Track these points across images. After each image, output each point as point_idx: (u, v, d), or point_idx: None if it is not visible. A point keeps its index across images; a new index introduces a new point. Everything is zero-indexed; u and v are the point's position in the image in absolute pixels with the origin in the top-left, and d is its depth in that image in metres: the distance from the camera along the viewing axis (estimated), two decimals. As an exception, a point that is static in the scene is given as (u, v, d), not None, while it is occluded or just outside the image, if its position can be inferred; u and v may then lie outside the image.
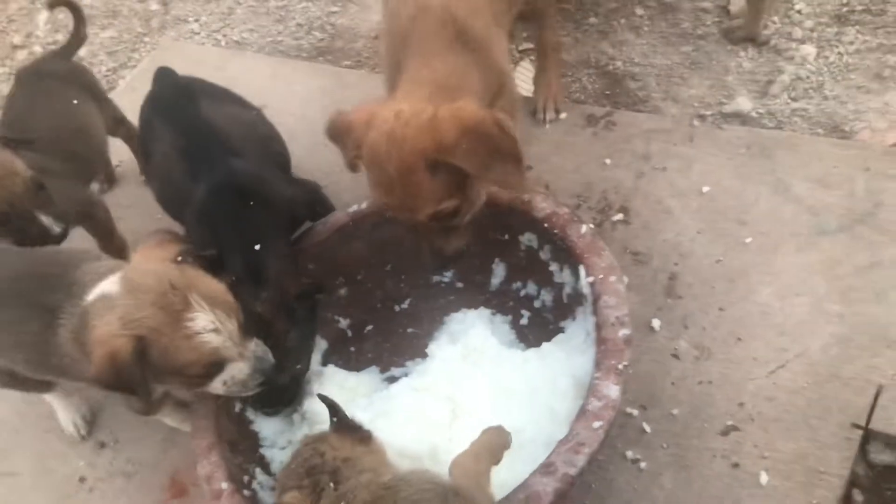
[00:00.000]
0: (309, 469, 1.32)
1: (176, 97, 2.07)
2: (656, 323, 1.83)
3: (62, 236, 1.94)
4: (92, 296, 1.50)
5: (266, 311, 1.70)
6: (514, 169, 1.55)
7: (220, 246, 1.73)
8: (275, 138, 2.16)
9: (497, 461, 1.38)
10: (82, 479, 2.01)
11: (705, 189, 2.02)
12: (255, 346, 1.56)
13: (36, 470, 2.07)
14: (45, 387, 2.01)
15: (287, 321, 1.74)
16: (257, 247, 1.74)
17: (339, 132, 1.71)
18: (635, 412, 1.71)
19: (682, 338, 1.80)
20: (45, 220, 1.91)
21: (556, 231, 1.74)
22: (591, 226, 1.71)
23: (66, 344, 1.60)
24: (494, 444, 1.40)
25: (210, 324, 1.44)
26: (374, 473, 1.31)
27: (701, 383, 1.72)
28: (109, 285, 1.49)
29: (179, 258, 1.54)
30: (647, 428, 1.69)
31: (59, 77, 2.29)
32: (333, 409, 1.44)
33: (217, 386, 1.54)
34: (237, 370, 1.53)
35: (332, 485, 1.27)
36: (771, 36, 2.34)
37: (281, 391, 1.76)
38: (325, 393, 1.82)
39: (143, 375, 1.43)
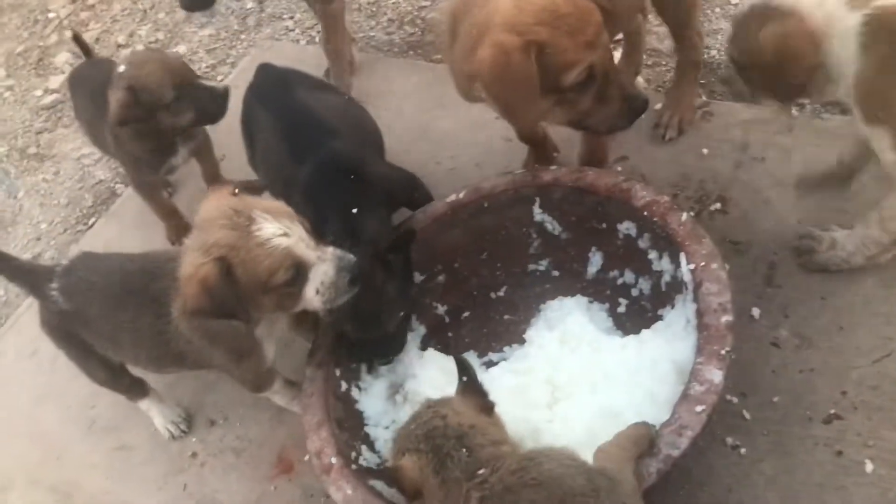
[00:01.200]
0: (429, 432, 1.34)
1: (274, 86, 2.20)
2: (756, 311, 1.83)
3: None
4: None
5: (362, 263, 1.75)
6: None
7: (323, 216, 1.81)
8: (368, 121, 2.24)
9: (641, 452, 1.39)
10: (194, 455, 2.12)
11: (808, 178, 2.00)
12: (332, 249, 1.64)
13: (149, 445, 2.20)
14: (140, 392, 2.15)
15: (384, 273, 1.80)
16: (354, 210, 1.83)
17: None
18: (735, 399, 1.71)
19: (782, 326, 1.79)
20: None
21: (655, 219, 1.76)
22: (692, 213, 1.73)
23: (179, 325, 1.71)
24: (639, 435, 1.41)
25: (278, 229, 1.54)
26: (508, 445, 1.34)
27: (802, 371, 1.72)
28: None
29: (235, 191, 1.64)
30: (747, 415, 1.69)
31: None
32: (464, 368, 1.47)
33: (311, 296, 1.62)
34: (322, 273, 1.60)
35: (464, 450, 1.30)
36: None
37: (390, 340, 1.85)
38: (425, 376, 1.92)
39: (235, 294, 1.53)
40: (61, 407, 2.36)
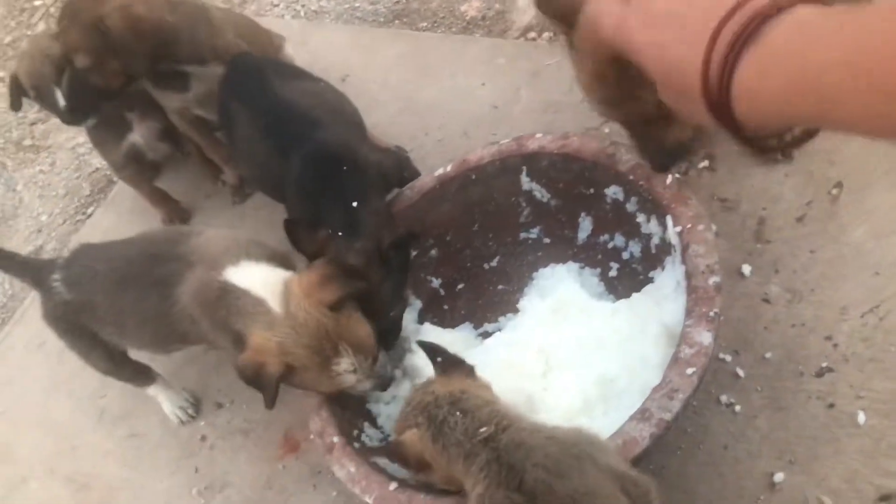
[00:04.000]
0: (422, 408, 1.37)
1: (249, 80, 2.15)
2: (746, 268, 1.83)
3: None
4: (233, 278, 1.69)
5: (359, 261, 1.78)
6: None
7: (319, 210, 1.83)
8: (346, 104, 2.22)
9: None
10: (203, 438, 2.17)
11: (796, 132, 1.98)
12: (380, 365, 1.74)
13: (159, 431, 2.25)
14: (146, 379, 2.19)
15: (380, 271, 1.82)
16: (354, 204, 1.82)
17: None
18: (728, 358, 1.73)
19: (772, 282, 1.80)
20: None
21: (641, 182, 1.75)
22: (678, 175, 1.72)
23: (188, 307, 1.75)
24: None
25: (350, 366, 1.64)
26: (501, 405, 1.36)
27: (794, 326, 1.73)
28: (266, 292, 1.67)
29: (338, 304, 1.66)
30: (741, 373, 1.71)
31: None
32: (434, 350, 1.51)
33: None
34: (360, 386, 1.72)
35: (458, 413, 1.32)
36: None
37: (383, 335, 1.86)
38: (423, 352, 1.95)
39: (277, 388, 1.62)
40: (72, 398, 2.41)
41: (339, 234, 1.78)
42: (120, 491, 2.18)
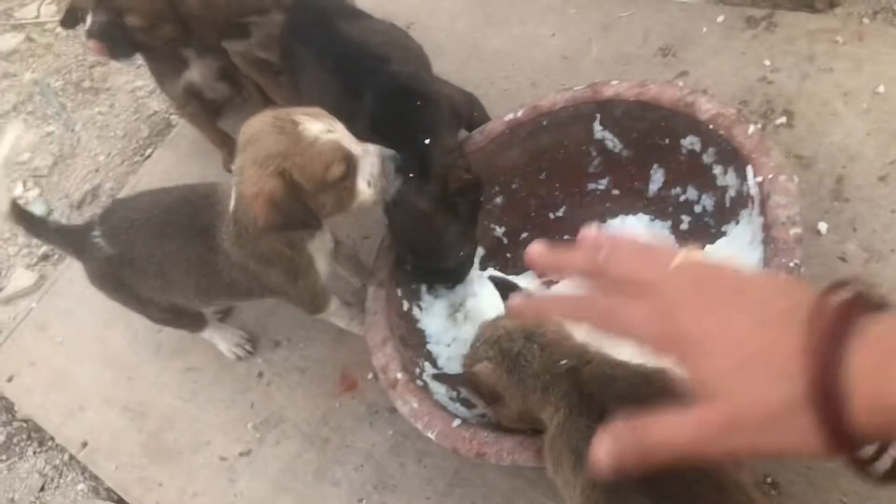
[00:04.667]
0: (493, 342, 1.36)
1: (312, 22, 2.13)
2: (823, 226, 1.79)
3: None
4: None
5: (427, 206, 1.77)
6: None
7: (393, 146, 1.81)
8: (412, 43, 2.19)
9: None
10: (260, 374, 2.18)
11: (880, 89, 1.93)
12: (372, 145, 1.68)
13: (216, 366, 2.26)
14: (199, 324, 2.19)
15: (446, 215, 1.80)
16: (427, 141, 1.80)
17: None
18: (801, 315, 1.69)
19: (850, 240, 1.75)
20: None
21: (721, 132, 1.71)
22: (759, 125, 1.68)
23: (230, 253, 1.75)
24: None
25: (322, 127, 1.58)
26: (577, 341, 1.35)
27: (871, 286, 1.68)
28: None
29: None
30: (814, 330, 1.67)
31: None
32: (505, 285, 1.49)
33: (363, 188, 1.66)
34: (369, 165, 1.65)
35: (535, 346, 1.31)
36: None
37: (450, 272, 1.89)
38: (484, 295, 1.94)
39: (301, 201, 1.57)
40: (129, 331, 2.44)
41: (411, 175, 1.77)
42: (175, 421, 2.20)
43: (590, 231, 0.92)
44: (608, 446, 0.77)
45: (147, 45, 2.22)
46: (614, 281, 0.84)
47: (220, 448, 2.10)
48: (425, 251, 1.85)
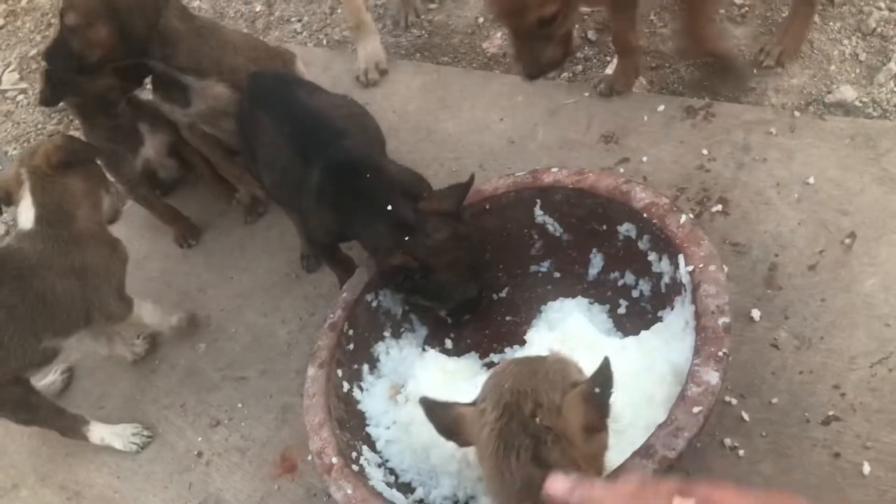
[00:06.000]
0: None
1: (273, 90, 2.17)
2: (756, 313, 1.83)
3: None
4: None
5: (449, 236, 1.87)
6: None
7: (345, 223, 1.84)
8: (370, 120, 2.24)
9: None
10: (199, 454, 2.15)
11: (810, 180, 2.00)
12: None
13: (156, 445, 2.22)
14: (78, 425, 2.26)
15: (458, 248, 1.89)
16: (389, 207, 1.84)
17: None
18: (734, 401, 1.72)
19: (782, 328, 1.79)
20: None
21: (654, 221, 1.76)
22: (691, 216, 1.73)
23: (46, 262, 2.02)
24: None
25: None
26: None
27: (801, 373, 1.72)
28: None
29: None
30: (746, 416, 1.69)
31: None
32: (435, 409, 1.34)
33: None
34: None
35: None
36: (876, 23, 2.29)
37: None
38: (425, 376, 1.93)
39: None
40: (70, 409, 2.39)
41: (405, 237, 1.83)
42: (111, 502, 2.15)
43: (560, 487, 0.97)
44: None
45: (81, 62, 2.17)
46: None
47: (159, 532, 2.05)
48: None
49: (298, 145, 2.00)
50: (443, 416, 1.32)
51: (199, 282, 2.58)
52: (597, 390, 1.21)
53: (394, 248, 1.82)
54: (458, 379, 1.91)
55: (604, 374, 1.22)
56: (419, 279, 1.83)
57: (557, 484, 0.97)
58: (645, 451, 1.42)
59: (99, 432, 2.21)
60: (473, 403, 1.30)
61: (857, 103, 2.13)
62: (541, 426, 1.17)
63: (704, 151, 2.17)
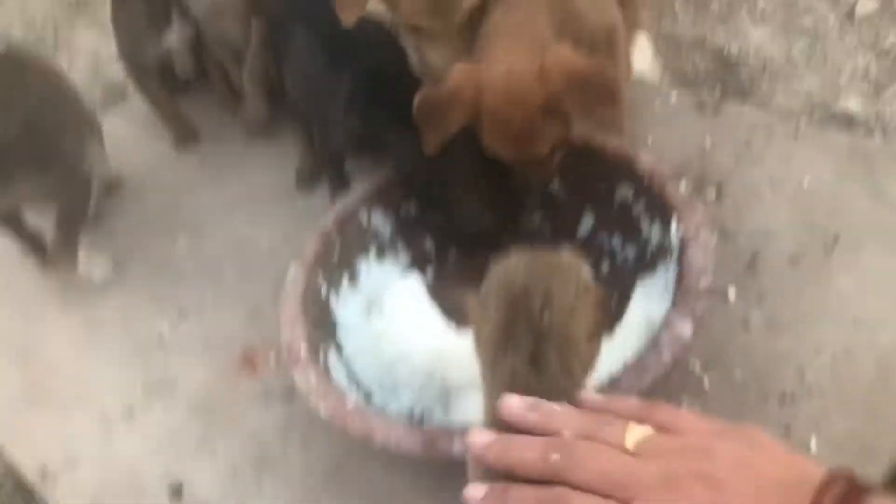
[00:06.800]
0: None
1: (307, 2, 2.14)
2: (732, 292, 1.87)
3: None
4: None
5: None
6: (614, 111, 1.79)
7: (373, 128, 1.84)
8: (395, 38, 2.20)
9: None
10: (161, 340, 2.15)
11: (804, 183, 2.06)
12: None
13: (118, 325, 2.23)
14: None
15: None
16: None
17: (437, 107, 1.72)
18: (697, 368, 1.76)
19: (755, 310, 1.84)
20: None
21: (654, 184, 1.81)
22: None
23: None
24: None
25: None
26: None
27: (766, 354, 1.76)
28: None
29: None
30: (707, 384, 1.73)
31: None
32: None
33: None
34: None
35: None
36: (891, 46, 2.37)
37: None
38: (401, 299, 1.96)
39: None
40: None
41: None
42: (59, 372, 2.14)
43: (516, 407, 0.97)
44: None
45: None
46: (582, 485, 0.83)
47: (104, 406, 2.04)
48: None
49: (328, 52, 2.00)
50: (450, 299, 1.34)
51: (188, 184, 2.59)
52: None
53: (420, 157, 1.79)
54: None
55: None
56: (437, 191, 1.84)
57: (514, 401, 0.98)
58: (610, 385, 1.45)
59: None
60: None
61: (861, 116, 2.20)
62: (548, 326, 1.11)
63: (707, 142, 2.22)
